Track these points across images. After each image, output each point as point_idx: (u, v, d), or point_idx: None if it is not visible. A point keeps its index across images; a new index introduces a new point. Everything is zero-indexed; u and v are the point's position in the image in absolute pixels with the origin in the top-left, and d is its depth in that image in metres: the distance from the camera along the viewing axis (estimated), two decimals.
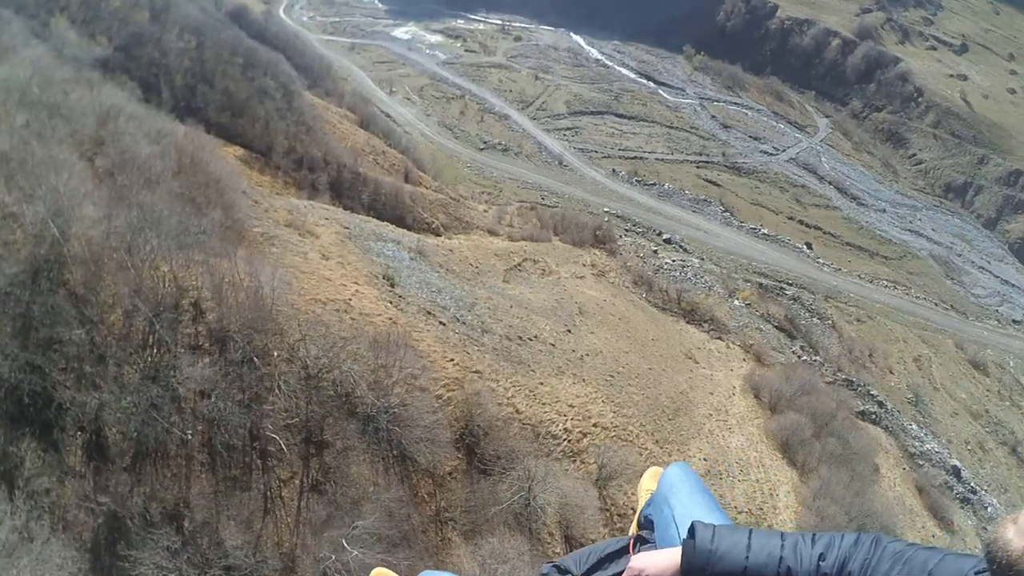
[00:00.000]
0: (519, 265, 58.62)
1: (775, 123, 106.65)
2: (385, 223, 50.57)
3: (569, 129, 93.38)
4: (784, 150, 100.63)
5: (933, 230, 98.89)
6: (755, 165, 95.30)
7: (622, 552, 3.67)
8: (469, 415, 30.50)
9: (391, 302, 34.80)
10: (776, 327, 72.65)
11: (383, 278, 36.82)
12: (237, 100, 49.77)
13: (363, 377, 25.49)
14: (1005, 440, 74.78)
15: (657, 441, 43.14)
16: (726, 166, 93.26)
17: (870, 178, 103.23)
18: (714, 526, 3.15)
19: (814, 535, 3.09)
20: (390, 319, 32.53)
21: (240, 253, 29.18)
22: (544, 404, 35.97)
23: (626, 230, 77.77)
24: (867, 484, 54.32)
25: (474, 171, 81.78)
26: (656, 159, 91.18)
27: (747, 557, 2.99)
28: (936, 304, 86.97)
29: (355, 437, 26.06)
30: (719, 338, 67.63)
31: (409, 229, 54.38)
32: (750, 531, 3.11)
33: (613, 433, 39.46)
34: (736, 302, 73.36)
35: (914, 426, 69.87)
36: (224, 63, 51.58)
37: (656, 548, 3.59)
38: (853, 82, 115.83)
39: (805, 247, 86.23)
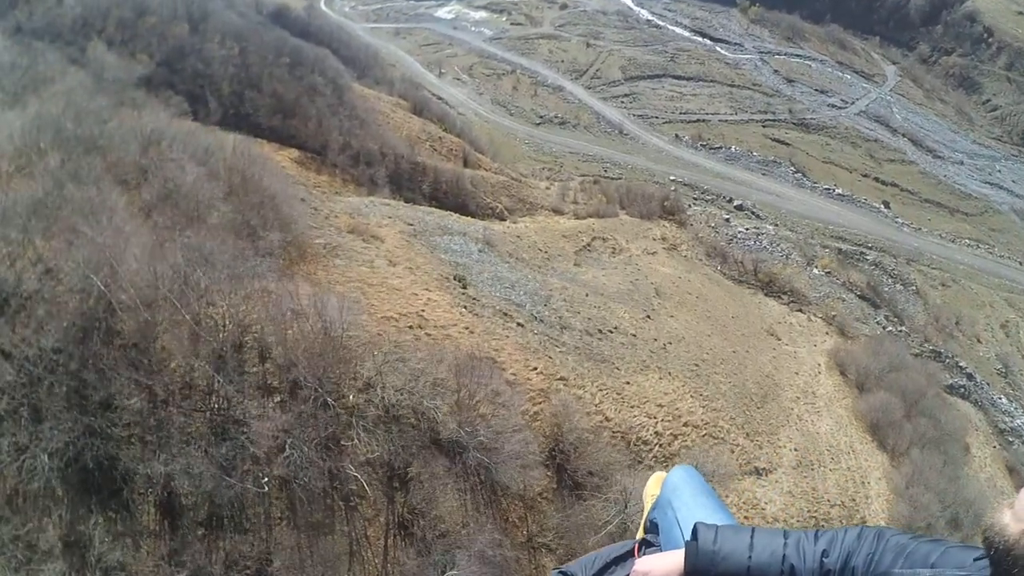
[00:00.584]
0: (588, 245, 55.86)
1: (840, 73, 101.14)
2: (448, 213, 48.13)
3: (626, 96, 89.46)
4: (853, 102, 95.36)
5: (1014, 182, 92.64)
6: (824, 120, 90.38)
7: (627, 556, 3.58)
8: (558, 430, 28.03)
9: (465, 307, 32.37)
10: (859, 296, 68.79)
11: (454, 279, 34.43)
12: (287, 101, 47.50)
13: (445, 403, 23.17)
14: None
15: (747, 435, 40.28)
16: (793, 123, 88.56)
17: (945, 128, 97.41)
18: (717, 527, 3.05)
19: (816, 532, 2.94)
20: (466, 328, 30.11)
21: (303, 276, 27.00)
22: (633, 407, 33.37)
23: (695, 199, 74.17)
24: (959, 467, 50.92)
25: (532, 147, 78.68)
26: (720, 120, 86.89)
27: (750, 557, 2.85)
28: (1021, 263, 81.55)
29: (441, 469, 23.83)
30: (800, 310, 64.22)
31: (473, 216, 51.93)
32: (753, 530, 3.00)
33: (704, 432, 36.73)
34: (815, 271, 69.58)
35: (1004, 400, 65.88)
36: (270, 65, 49.28)
37: (661, 550, 3.47)
38: (918, 25, 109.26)
39: (882, 206, 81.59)
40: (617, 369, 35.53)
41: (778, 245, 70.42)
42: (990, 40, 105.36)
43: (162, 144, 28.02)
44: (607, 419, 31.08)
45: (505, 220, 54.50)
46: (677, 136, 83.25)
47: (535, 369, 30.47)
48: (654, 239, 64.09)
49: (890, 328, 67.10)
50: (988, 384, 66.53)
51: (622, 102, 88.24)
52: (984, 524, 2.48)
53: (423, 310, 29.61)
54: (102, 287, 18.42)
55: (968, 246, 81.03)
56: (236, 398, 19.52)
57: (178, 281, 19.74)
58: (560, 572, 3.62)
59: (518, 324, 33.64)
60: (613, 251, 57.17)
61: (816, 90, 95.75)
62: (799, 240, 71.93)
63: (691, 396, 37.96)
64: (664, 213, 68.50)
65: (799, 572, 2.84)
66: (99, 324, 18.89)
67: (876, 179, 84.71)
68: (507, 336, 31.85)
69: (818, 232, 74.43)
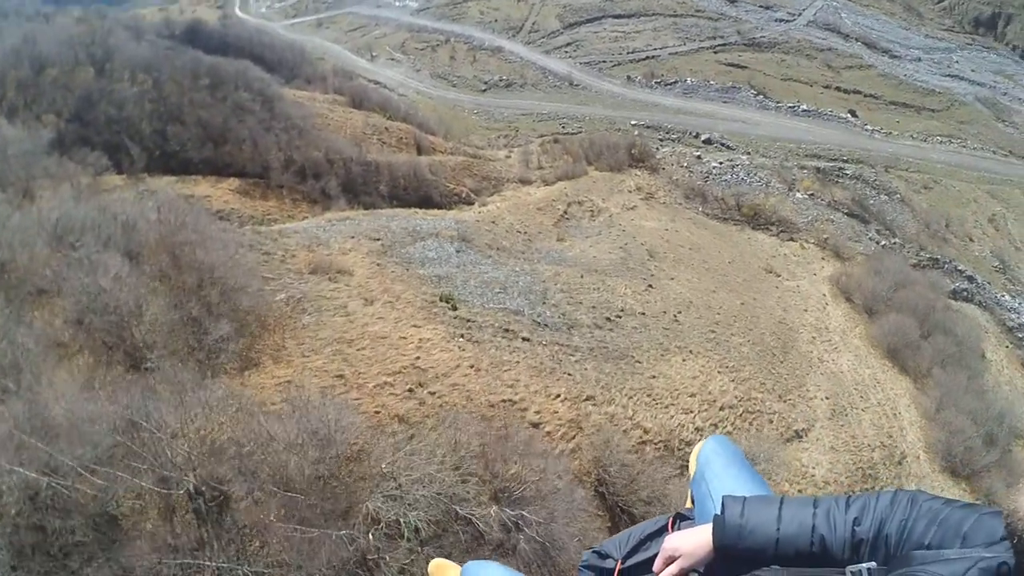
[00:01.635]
0: (566, 213, 50.43)
1: None
2: (413, 211, 42.45)
3: (568, 45, 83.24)
4: (800, 13, 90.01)
5: (973, 71, 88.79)
6: (775, 37, 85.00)
7: (662, 531, 3.40)
8: (599, 463, 22.73)
9: (463, 335, 26.79)
10: (847, 214, 64.29)
11: (441, 301, 28.80)
12: (214, 127, 41.32)
13: (477, 490, 17.54)
14: None
15: (780, 397, 35.60)
16: (745, 44, 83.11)
17: (895, 26, 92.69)
18: (744, 498, 2.84)
19: (848, 498, 2.69)
20: (471, 367, 24.58)
21: (271, 355, 21.19)
22: (667, 407, 28.21)
23: (660, 140, 68.81)
24: (982, 378, 47.93)
25: (483, 116, 72.52)
26: (670, 54, 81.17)
27: (778, 529, 2.66)
28: (994, 152, 78.18)
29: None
30: (791, 239, 60.01)
31: (440, 207, 46.31)
32: (782, 500, 2.80)
33: (741, 410, 31.88)
34: (798, 194, 64.79)
35: (1007, 297, 63.16)
36: (188, 92, 42.86)
37: (695, 523, 3.30)
38: None
39: (850, 115, 76.97)
40: (639, 363, 30.32)
41: (755, 174, 65.41)
42: None
43: (71, 236, 21.65)
44: (646, 431, 25.92)
45: (474, 204, 48.99)
46: (629, 77, 77.50)
47: (558, 397, 25.08)
48: (629, 191, 58.96)
49: (884, 242, 63.06)
50: (989, 283, 63.84)
51: (565, 52, 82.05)
52: (1007, 510, 2.25)
53: (418, 358, 24.01)
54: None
55: (941, 143, 77.31)
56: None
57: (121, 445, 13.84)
58: (594, 551, 3.45)
59: (524, 339, 28.17)
60: (592, 214, 51.87)
61: (761, 6, 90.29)
62: (775, 166, 67.00)
63: (719, 372, 32.97)
64: (633, 162, 63.31)
65: (829, 543, 2.58)
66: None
67: (838, 88, 79.95)
68: (517, 362, 26.36)
69: (792, 153, 69.56)
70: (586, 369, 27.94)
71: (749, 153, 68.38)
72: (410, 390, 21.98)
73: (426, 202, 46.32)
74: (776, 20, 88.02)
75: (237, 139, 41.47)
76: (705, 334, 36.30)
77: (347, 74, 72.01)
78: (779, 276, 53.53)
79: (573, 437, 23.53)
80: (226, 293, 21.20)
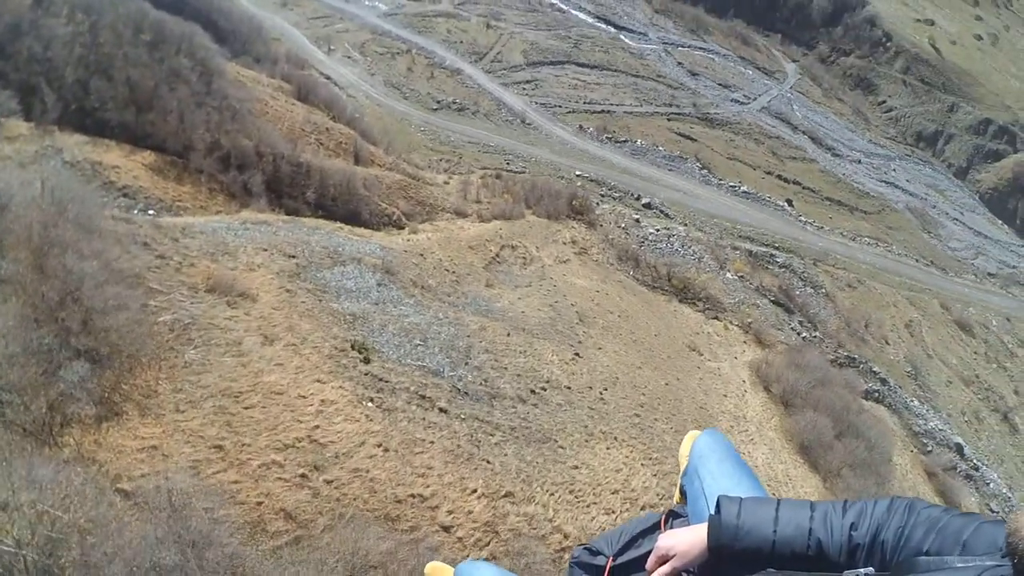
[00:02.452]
0: (497, 256, 46.99)
1: (743, 69, 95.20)
2: (339, 226, 38.28)
3: (528, 82, 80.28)
4: (755, 98, 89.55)
5: (908, 181, 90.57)
6: (728, 116, 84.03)
7: (654, 528, 3.30)
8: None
9: (372, 399, 22.83)
10: (773, 301, 62.80)
11: (352, 349, 24.73)
12: (142, 91, 36.65)
13: None
14: (996, 407, 69.75)
15: None
16: (698, 117, 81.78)
17: (843, 127, 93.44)
18: (740, 499, 2.76)
19: (845, 503, 2.66)
20: (379, 445, 20.67)
21: (135, 405, 16.73)
22: (589, 506, 24.92)
23: (602, 195, 66.27)
24: (888, 483, 47.15)
25: (429, 136, 68.55)
26: (624, 112, 79.09)
27: (775, 531, 2.59)
28: (917, 260, 79.74)
29: None
30: (716, 318, 57.94)
31: (367, 226, 42.25)
32: (778, 503, 2.72)
33: (661, 509, 28.27)
34: (728, 274, 63.00)
35: (916, 402, 62.72)
36: (126, 45, 37.87)
37: (688, 521, 3.25)
38: (819, 25, 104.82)
39: (786, 204, 76.42)
40: (562, 448, 26.95)
41: (690, 248, 63.37)
42: (888, 44, 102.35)
43: None
44: (565, 536, 22.51)
45: (404, 228, 45.08)
46: (581, 127, 74.95)
47: (475, 492, 21.42)
48: (564, 243, 55.94)
49: (805, 334, 61.89)
50: (900, 387, 63.82)
51: (524, 89, 79.05)
52: (1008, 528, 2.09)
53: (316, 427, 19.93)
54: None
55: (868, 244, 77.99)
56: None
57: None
58: (585, 548, 3.37)
59: (441, 410, 24.41)
60: (524, 261, 48.56)
61: (719, 84, 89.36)
62: (710, 242, 65.24)
63: (642, 463, 29.93)
64: (573, 213, 60.49)
65: (826, 546, 2.53)
66: None
67: (779, 176, 79.45)
68: (432, 442, 22.58)
69: (727, 232, 68.06)
70: (506, 455, 24.33)
71: (686, 224, 66.51)
72: (303, 475, 17.93)
73: (354, 218, 42.18)
74: (732, 100, 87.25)
75: (164, 109, 36.70)
76: (630, 417, 33.24)
77: (299, 62, 67.01)
78: (702, 355, 51.46)
79: (487, 544, 19.89)
80: (91, 319, 16.57)
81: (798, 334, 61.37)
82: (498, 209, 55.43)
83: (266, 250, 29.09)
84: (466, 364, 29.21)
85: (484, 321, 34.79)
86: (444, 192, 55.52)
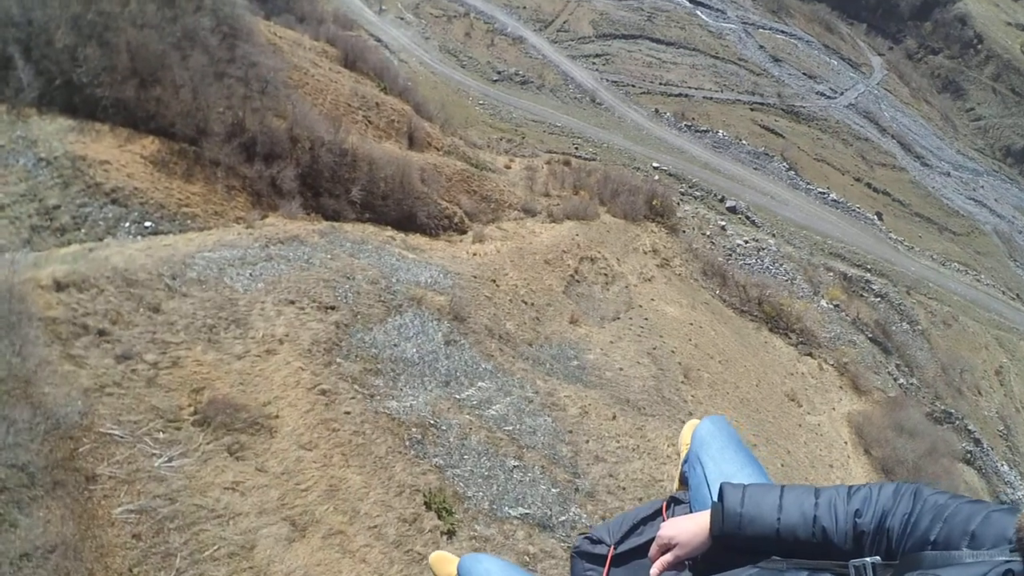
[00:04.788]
0: (576, 273, 36.25)
1: (828, 59, 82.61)
2: (390, 235, 27.59)
3: (598, 56, 68.27)
4: (842, 93, 77.20)
5: (996, 200, 78.30)
6: (814, 110, 71.94)
7: (656, 516, 3.08)
8: None
9: None
10: (870, 339, 51.93)
11: (428, 509, 14.42)
12: (148, 58, 25.88)
13: None
14: None
15: None
16: (783, 110, 69.76)
17: (930, 133, 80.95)
18: (744, 486, 2.54)
19: (851, 489, 2.46)
20: None
21: None
22: None
23: (682, 193, 54.96)
24: None
25: (488, 110, 57.08)
26: (704, 97, 67.16)
27: (779, 519, 2.40)
28: (1004, 293, 68.01)
29: None
30: (809, 354, 47.41)
31: (424, 231, 31.59)
32: (782, 489, 2.52)
33: None
34: (823, 302, 51.95)
35: (1005, 467, 52.51)
36: (132, 1, 27.08)
37: (690, 508, 3.01)
38: (907, 18, 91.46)
39: (876, 218, 64.93)
40: None
41: (781, 266, 52.24)
42: (979, 47, 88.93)
43: None
44: None
45: (467, 233, 34.14)
46: (657, 111, 63.27)
47: None
48: (645, 252, 45.04)
49: (902, 380, 51.07)
50: (992, 448, 52.74)
51: (593, 63, 67.16)
52: (1019, 523, 1.94)
53: None
54: None
55: (959, 271, 66.33)
56: None
57: None
58: (586, 537, 3.13)
59: None
60: (606, 279, 37.94)
61: (804, 74, 76.96)
62: (802, 259, 54.11)
63: None
64: (652, 215, 49.38)
65: (831, 533, 2.35)
66: None
67: (868, 185, 67.72)
68: None
69: (818, 248, 56.79)
70: None
71: (775, 236, 55.20)
72: None
73: (408, 221, 31.40)
74: (818, 93, 74.93)
75: (173, 82, 25.81)
76: None
77: (347, 22, 55.62)
78: (801, 407, 41.35)
79: None
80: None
81: (895, 380, 50.68)
82: (571, 206, 44.50)
83: (293, 302, 18.25)
84: (576, 490, 18.56)
85: (581, 393, 24.00)
86: (509, 183, 44.36)
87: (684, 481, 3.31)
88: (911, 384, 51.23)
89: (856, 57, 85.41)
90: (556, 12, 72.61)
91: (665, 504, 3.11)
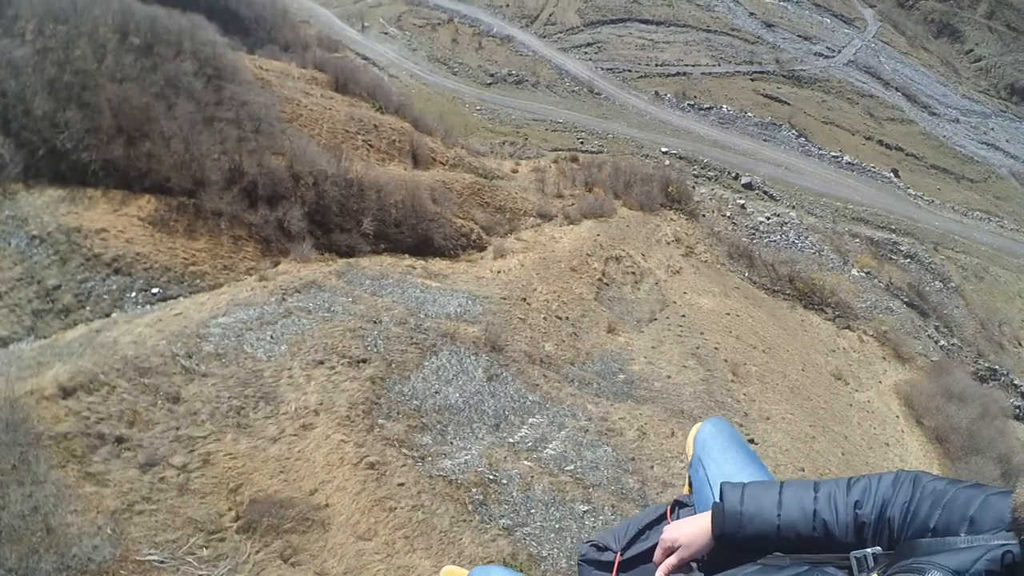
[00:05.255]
0: (604, 276, 34.60)
1: (820, 17, 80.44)
2: (409, 263, 25.96)
3: (589, 45, 66.39)
4: (839, 51, 74.96)
5: (1007, 141, 75.91)
6: (815, 72, 69.76)
7: (661, 519, 3.06)
8: None
9: None
10: (906, 303, 49.84)
11: None
12: (130, 113, 24.22)
13: None
14: None
15: None
16: (784, 76, 67.62)
17: (933, 80, 78.61)
18: (743, 485, 2.54)
19: (850, 480, 2.43)
20: None
21: None
22: None
23: (696, 176, 53.03)
24: None
25: (487, 115, 55.27)
26: (703, 73, 65.16)
27: (779, 515, 2.39)
28: None
29: None
30: (848, 327, 45.55)
31: (442, 254, 30.00)
32: (782, 485, 2.51)
33: None
34: (854, 271, 49.98)
35: None
36: (111, 52, 25.50)
37: (694, 510, 3.00)
38: None
39: (893, 175, 62.78)
40: None
41: (806, 238, 50.33)
42: None
43: None
44: None
45: (486, 249, 32.58)
46: (657, 94, 61.30)
47: None
48: (667, 242, 43.34)
49: (943, 342, 49.01)
50: None
51: (585, 53, 65.26)
52: (1015, 503, 1.98)
53: None
54: None
55: (981, 220, 64.13)
56: None
57: None
58: (592, 545, 3.05)
59: None
60: (635, 278, 36.24)
61: (799, 36, 74.80)
62: (827, 229, 52.16)
63: None
64: (669, 202, 47.70)
65: (831, 526, 2.33)
66: None
67: (880, 142, 65.59)
68: None
69: (840, 214, 54.81)
70: None
71: (795, 208, 53.19)
72: None
73: (425, 245, 29.78)
74: (816, 54, 72.76)
75: (161, 135, 24.22)
76: None
77: (332, 44, 53.96)
78: (848, 384, 39.58)
79: None
80: None
81: (936, 343, 48.62)
82: (586, 205, 42.88)
83: (322, 362, 16.61)
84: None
85: (635, 411, 22.27)
86: (519, 188, 42.61)
87: (692, 485, 3.24)
88: (952, 345, 49.24)
89: (848, 12, 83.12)
90: (540, 6, 70.73)
91: (669, 508, 3.09)
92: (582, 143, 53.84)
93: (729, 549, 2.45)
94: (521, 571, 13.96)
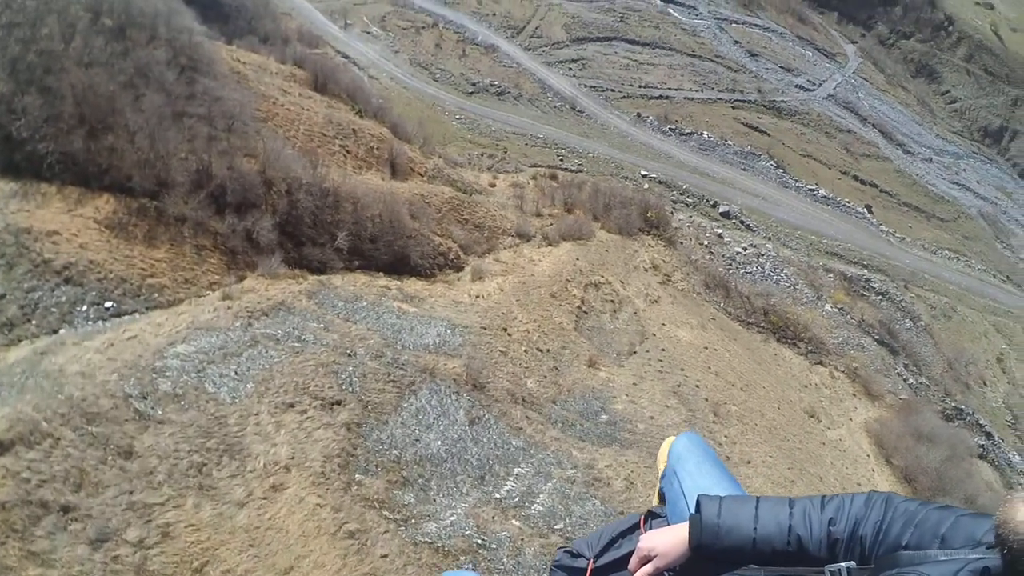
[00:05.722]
0: (583, 304, 33.30)
1: (803, 50, 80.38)
2: (383, 285, 24.53)
3: (574, 61, 65.23)
4: (820, 84, 74.94)
5: (978, 182, 77.15)
6: (795, 104, 69.55)
7: (634, 529, 3.07)
8: None
9: None
10: (876, 340, 49.55)
11: None
12: (95, 103, 22.31)
13: None
14: None
15: None
16: (764, 106, 67.22)
17: (909, 119, 79.16)
18: (720, 498, 2.57)
19: (824, 498, 2.49)
20: None
21: None
22: None
23: (674, 201, 52.20)
24: None
25: (466, 125, 53.76)
26: (685, 98, 64.41)
27: (755, 528, 2.43)
28: (995, 276, 66.71)
29: None
30: (820, 363, 45.33)
31: (419, 274, 28.52)
32: (758, 500, 2.55)
33: None
34: (827, 307, 49.45)
35: (1017, 457, 50.47)
36: (76, 37, 23.53)
37: (667, 522, 2.97)
38: (877, 4, 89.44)
39: (866, 211, 62.93)
40: None
41: (782, 271, 49.72)
42: (950, 29, 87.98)
43: None
44: None
45: (463, 269, 31.05)
46: (640, 115, 60.38)
47: None
48: (645, 269, 42.37)
49: (911, 380, 49.01)
50: (1003, 440, 50.72)
51: (570, 69, 64.11)
52: (998, 519, 1.94)
53: None
54: None
55: (950, 259, 64.79)
56: None
57: None
58: (566, 551, 3.09)
59: None
60: (614, 306, 35.16)
61: (781, 67, 74.58)
62: (802, 263, 51.59)
63: None
64: (647, 227, 46.53)
65: (806, 542, 2.38)
66: None
67: (855, 178, 65.67)
68: None
69: (815, 248, 54.38)
70: None
71: (771, 239, 52.64)
72: None
73: (401, 264, 28.24)
74: (796, 86, 72.58)
75: (126, 128, 22.32)
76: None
77: (313, 40, 52.02)
78: (820, 422, 39.21)
79: None
80: None
81: (905, 381, 48.65)
82: (565, 226, 41.64)
83: (292, 405, 15.03)
84: None
85: (620, 457, 21.01)
86: (499, 205, 41.18)
87: (662, 497, 3.21)
88: (920, 383, 49.18)
89: (830, 47, 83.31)
90: (527, 18, 69.44)
91: (643, 518, 3.06)
92: (562, 160, 52.67)
93: (704, 560, 2.43)
94: None
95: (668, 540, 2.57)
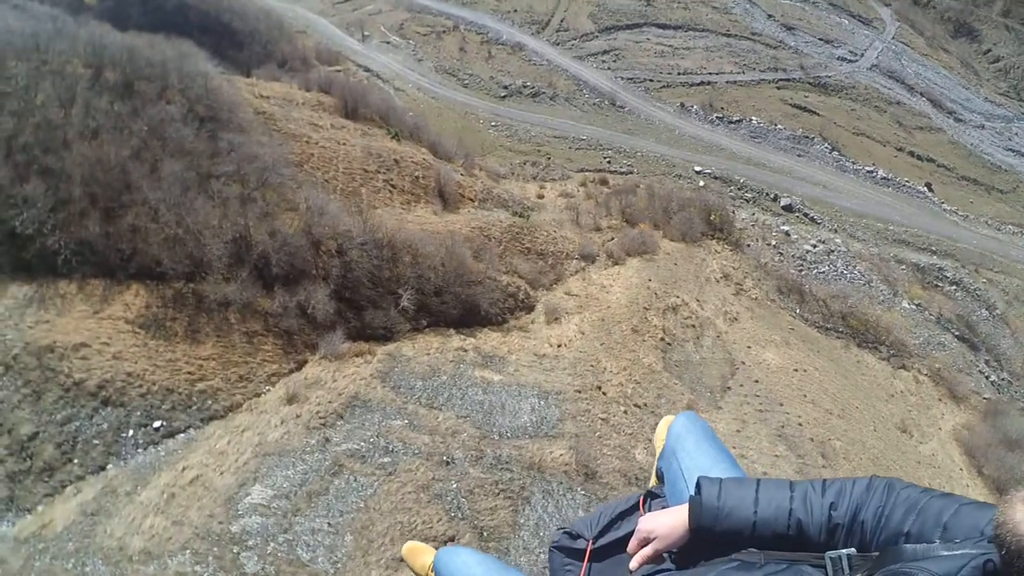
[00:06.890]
0: (665, 334, 29.99)
1: (838, 18, 76.08)
2: (459, 347, 21.77)
3: (606, 53, 61.37)
4: (862, 54, 70.65)
5: None
6: (840, 79, 65.41)
7: (633, 510, 2.98)
8: None
9: None
10: (956, 337, 45.84)
11: None
12: (105, 179, 19.27)
13: None
14: None
15: None
16: (810, 83, 63.21)
17: (956, 83, 74.61)
18: (720, 480, 2.50)
19: (825, 482, 2.43)
20: None
21: None
22: None
23: (733, 198, 48.75)
24: None
25: (503, 132, 50.26)
26: (727, 82, 60.52)
27: (755, 512, 2.38)
28: None
29: None
30: (903, 367, 41.91)
31: (491, 324, 25.32)
32: (758, 483, 2.48)
33: None
34: (905, 303, 45.66)
35: None
36: (75, 97, 20.41)
37: (666, 502, 2.91)
38: None
39: (927, 189, 58.86)
40: None
41: (854, 267, 46.19)
42: None
43: None
44: None
45: (534, 309, 27.78)
46: (683, 105, 56.63)
47: None
48: (716, 279, 39.26)
49: (993, 377, 45.22)
50: None
51: (603, 61, 60.31)
52: (998, 519, 1.89)
53: None
54: None
55: (1015, 235, 59.96)
56: None
57: None
58: (565, 532, 3.00)
59: None
60: (696, 332, 32.05)
61: (820, 39, 70.36)
62: (873, 256, 47.74)
63: None
64: (711, 231, 43.04)
65: (806, 526, 2.33)
66: None
67: (911, 153, 61.64)
68: None
69: (881, 236, 50.64)
70: None
71: (838, 232, 48.87)
72: None
73: (471, 315, 25.20)
74: (839, 58, 68.34)
75: (146, 203, 19.24)
76: None
77: (332, 56, 48.70)
78: (912, 437, 36.27)
79: None
80: None
81: (987, 378, 45.05)
82: (628, 240, 38.44)
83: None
84: None
85: None
86: (556, 224, 37.84)
87: (660, 477, 3.13)
88: (1002, 379, 45.59)
89: (865, 12, 78.72)
90: (550, 11, 65.59)
91: (642, 499, 2.99)
92: (609, 162, 49.13)
93: (703, 542, 2.39)
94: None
95: (667, 522, 2.48)
